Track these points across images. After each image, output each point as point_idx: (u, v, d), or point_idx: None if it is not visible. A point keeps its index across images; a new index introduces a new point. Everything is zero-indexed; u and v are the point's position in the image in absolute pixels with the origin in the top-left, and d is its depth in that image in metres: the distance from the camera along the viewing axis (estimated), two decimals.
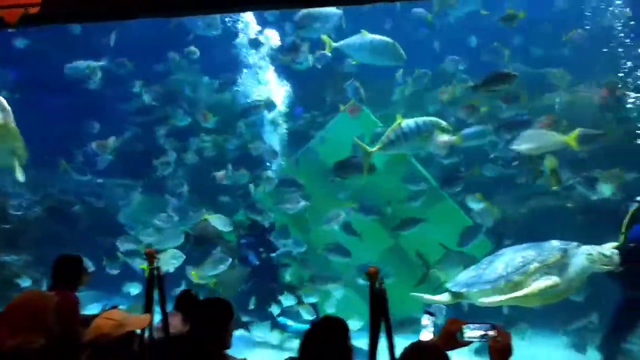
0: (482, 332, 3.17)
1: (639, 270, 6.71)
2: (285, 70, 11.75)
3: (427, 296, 6.95)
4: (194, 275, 8.82)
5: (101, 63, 12.11)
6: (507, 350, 3.11)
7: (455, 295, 6.79)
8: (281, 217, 10.16)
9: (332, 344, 3.26)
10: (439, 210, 10.10)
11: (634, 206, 7.00)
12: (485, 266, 6.81)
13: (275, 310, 9.48)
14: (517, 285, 6.28)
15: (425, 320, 3.52)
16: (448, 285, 7.02)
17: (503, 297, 6.27)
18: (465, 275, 6.96)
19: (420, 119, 8.35)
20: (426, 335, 3.46)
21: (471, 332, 3.19)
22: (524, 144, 7.78)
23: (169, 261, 8.67)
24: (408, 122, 8.18)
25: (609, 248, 6.30)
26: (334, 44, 9.09)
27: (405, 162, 10.23)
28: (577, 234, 7.01)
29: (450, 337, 3.23)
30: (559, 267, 6.24)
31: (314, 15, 9.45)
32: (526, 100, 10.24)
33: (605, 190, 8.52)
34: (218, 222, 9.37)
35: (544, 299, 6.60)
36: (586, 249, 6.23)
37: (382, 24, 12.70)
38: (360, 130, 10.04)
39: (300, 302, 9.16)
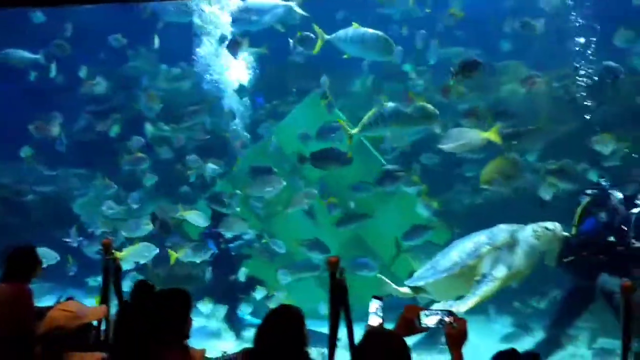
0: (439, 318, 3.24)
1: (589, 261, 6.96)
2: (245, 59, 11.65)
3: (392, 285, 7.06)
4: (171, 255, 8.73)
5: (37, 56, 11.73)
6: (462, 335, 3.19)
7: (415, 289, 6.94)
8: (242, 208, 10.10)
9: (287, 333, 3.21)
10: (399, 200, 10.21)
11: (586, 199, 7.22)
12: (440, 257, 7.01)
13: (234, 302, 9.41)
14: (472, 269, 6.47)
15: (373, 305, 3.56)
16: (406, 282, 7.16)
17: (474, 301, 6.42)
18: (422, 269, 7.12)
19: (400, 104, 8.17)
20: (374, 320, 3.51)
21: (428, 319, 3.25)
22: (449, 143, 7.82)
23: (143, 254, 8.60)
24: (390, 105, 8.00)
25: (551, 222, 6.56)
26: (326, 37, 8.79)
27: (366, 152, 10.30)
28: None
29: (407, 324, 3.28)
30: (509, 247, 6.50)
31: (250, 8, 9.34)
32: (463, 92, 10.33)
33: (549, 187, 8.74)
34: (196, 218, 9.20)
35: (505, 281, 6.81)
36: (531, 226, 6.53)
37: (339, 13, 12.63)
38: (320, 120, 10.07)
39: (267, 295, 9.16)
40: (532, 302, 9.60)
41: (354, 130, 8.36)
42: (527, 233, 6.57)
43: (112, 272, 4.70)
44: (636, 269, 6.72)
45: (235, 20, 10.47)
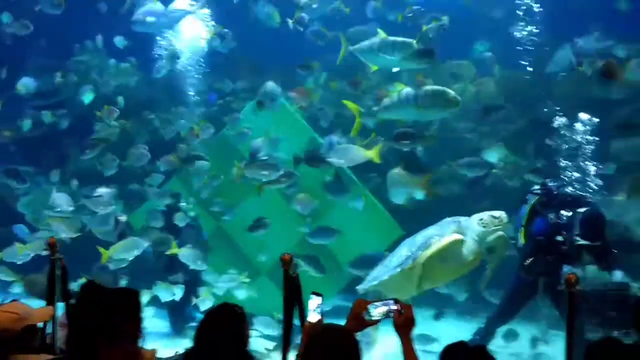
0: (387, 309, 3.29)
1: (539, 259, 7.14)
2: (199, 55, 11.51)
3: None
4: (103, 254, 8.43)
5: None
6: (410, 321, 3.27)
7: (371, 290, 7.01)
8: (193, 205, 9.97)
9: (227, 331, 3.15)
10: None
11: (534, 199, 7.38)
12: (391, 257, 7.10)
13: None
14: (424, 260, 6.59)
15: (313, 302, 3.59)
16: (359, 287, 7.23)
17: (415, 274, 6.53)
18: (374, 270, 7.21)
19: (424, 88, 8.06)
20: (314, 317, 3.53)
21: (377, 310, 3.31)
22: (334, 157, 8.45)
23: (131, 250, 8.42)
24: (408, 90, 7.88)
25: (497, 211, 6.76)
26: (350, 48, 8.44)
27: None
28: None
29: (358, 319, 3.32)
30: None
31: (148, 11, 9.30)
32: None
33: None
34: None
35: (454, 273, 6.96)
36: (476, 216, 6.70)
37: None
38: (273, 119, 10.01)
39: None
40: None
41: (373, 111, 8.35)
42: (474, 222, 6.74)
43: (59, 272, 4.56)
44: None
45: (135, 22, 10.52)
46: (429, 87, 8.02)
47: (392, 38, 7.78)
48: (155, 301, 9.10)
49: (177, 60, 10.44)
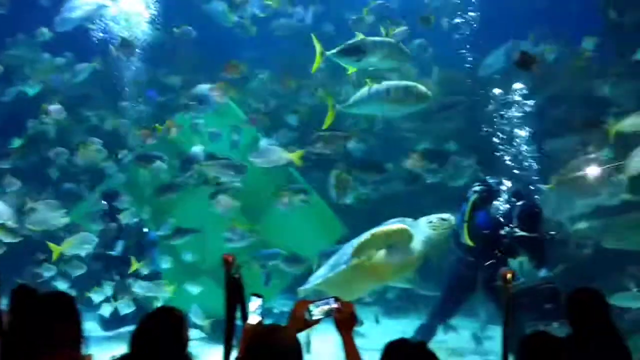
0: (328, 307, 3.30)
1: (484, 252, 7.29)
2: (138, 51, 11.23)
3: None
4: (54, 250, 8.14)
5: None
6: (351, 319, 3.27)
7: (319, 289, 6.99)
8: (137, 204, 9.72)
9: (166, 336, 3.08)
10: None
11: (474, 195, 7.52)
12: (337, 255, 7.11)
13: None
14: (369, 257, 6.63)
15: (253, 304, 3.57)
16: (301, 287, 7.20)
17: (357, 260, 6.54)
18: (319, 270, 7.21)
19: (394, 83, 8.24)
20: (254, 318, 3.52)
21: (318, 310, 3.31)
22: (258, 158, 8.61)
23: (82, 245, 8.14)
24: (379, 85, 8.00)
25: (445, 214, 6.88)
26: (327, 53, 8.17)
27: None
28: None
29: (299, 320, 3.30)
30: None
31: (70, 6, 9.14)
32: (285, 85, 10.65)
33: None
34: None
35: (400, 270, 7.02)
36: (424, 219, 6.80)
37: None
38: (223, 120, 9.88)
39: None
40: None
41: (341, 107, 8.35)
42: (422, 224, 6.82)
43: None
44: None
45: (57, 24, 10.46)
46: (399, 82, 8.24)
47: (370, 38, 7.96)
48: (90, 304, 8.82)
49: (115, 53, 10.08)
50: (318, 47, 8.08)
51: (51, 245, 8.17)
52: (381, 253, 6.74)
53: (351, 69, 8.17)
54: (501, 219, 7.23)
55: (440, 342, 8.14)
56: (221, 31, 11.91)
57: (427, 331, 7.85)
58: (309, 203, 9.38)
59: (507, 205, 7.30)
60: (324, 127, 8.63)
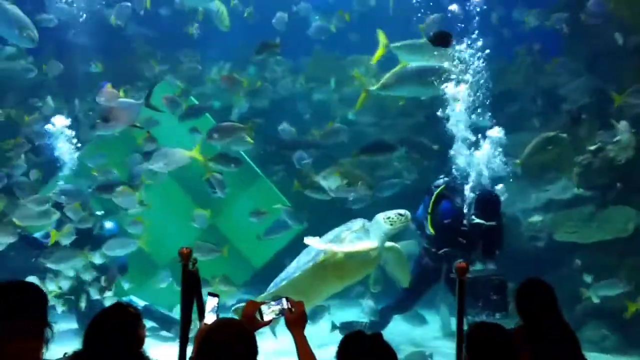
0: (279, 307, 3.32)
1: (448, 242, 7.36)
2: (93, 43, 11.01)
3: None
4: (52, 235, 7.98)
5: None
6: (302, 318, 3.29)
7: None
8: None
9: (120, 333, 3.03)
10: (255, 190, 10.18)
11: (437, 190, 7.62)
12: (301, 255, 7.07)
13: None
14: (335, 254, 6.62)
15: (210, 302, 3.56)
16: (268, 289, 7.13)
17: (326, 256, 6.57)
18: (284, 271, 7.16)
19: (424, 65, 8.28)
20: (210, 318, 3.51)
21: (269, 310, 3.33)
22: (157, 163, 8.17)
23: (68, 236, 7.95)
24: (410, 67, 8.12)
25: (402, 210, 6.95)
26: (391, 45, 8.44)
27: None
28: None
29: (251, 320, 3.31)
30: (365, 232, 6.82)
31: None
32: (247, 84, 10.57)
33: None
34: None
35: (361, 270, 7.04)
36: (382, 214, 6.85)
37: None
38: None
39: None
40: None
41: (373, 87, 8.32)
42: (380, 221, 6.87)
43: None
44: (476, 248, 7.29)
45: None
46: (427, 64, 8.30)
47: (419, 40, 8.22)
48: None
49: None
50: (382, 39, 8.38)
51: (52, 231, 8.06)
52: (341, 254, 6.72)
53: (403, 63, 8.34)
54: (464, 210, 7.36)
55: (402, 333, 8.22)
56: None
57: (380, 321, 7.93)
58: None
59: (471, 195, 7.42)
60: (356, 108, 8.88)
